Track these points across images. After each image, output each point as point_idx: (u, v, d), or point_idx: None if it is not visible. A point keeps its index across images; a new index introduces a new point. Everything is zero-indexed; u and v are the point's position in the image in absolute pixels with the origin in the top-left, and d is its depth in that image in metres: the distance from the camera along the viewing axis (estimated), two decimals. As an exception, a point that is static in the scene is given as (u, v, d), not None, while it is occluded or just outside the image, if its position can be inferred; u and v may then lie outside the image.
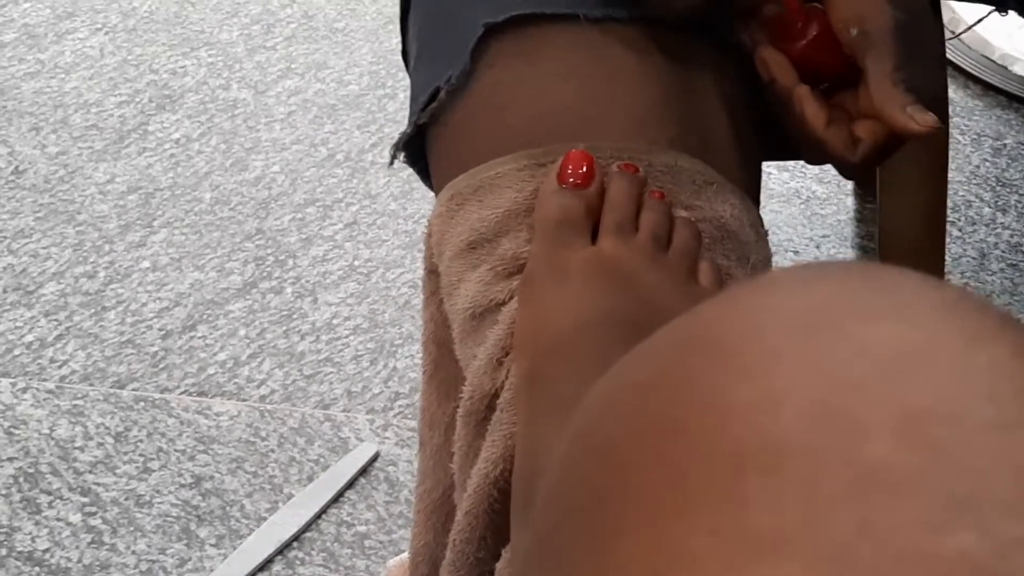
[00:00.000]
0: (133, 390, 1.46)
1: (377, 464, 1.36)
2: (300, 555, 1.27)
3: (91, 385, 1.46)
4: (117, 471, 1.36)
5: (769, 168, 1.74)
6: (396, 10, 2.21)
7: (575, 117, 0.70)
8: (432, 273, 0.73)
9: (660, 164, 0.69)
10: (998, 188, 1.72)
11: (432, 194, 0.76)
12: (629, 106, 0.71)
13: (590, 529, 0.29)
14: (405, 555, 1.22)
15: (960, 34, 1.74)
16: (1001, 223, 1.66)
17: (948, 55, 1.74)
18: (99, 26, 2.14)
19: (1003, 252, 1.61)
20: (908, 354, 0.27)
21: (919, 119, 0.65)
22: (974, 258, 1.60)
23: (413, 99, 0.77)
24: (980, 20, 1.66)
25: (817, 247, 1.68)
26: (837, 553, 0.24)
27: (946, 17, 1.77)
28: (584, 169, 0.65)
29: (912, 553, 0.24)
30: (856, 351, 0.27)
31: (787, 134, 0.72)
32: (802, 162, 0.79)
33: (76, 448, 1.39)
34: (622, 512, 0.28)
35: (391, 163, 0.78)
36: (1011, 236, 1.65)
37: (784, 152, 0.78)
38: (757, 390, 0.27)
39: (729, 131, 0.74)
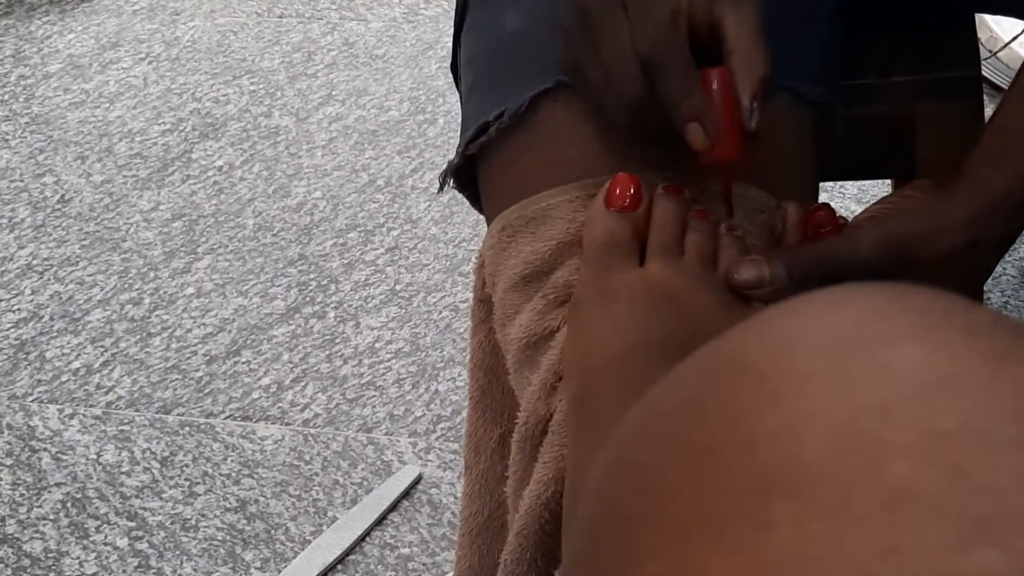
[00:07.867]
0: (179, 415, 1.47)
1: (420, 487, 1.37)
2: (344, 578, 1.27)
3: (137, 411, 1.48)
4: (163, 495, 1.37)
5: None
6: (435, 36, 2.20)
7: (634, 152, 0.69)
8: (482, 302, 0.74)
9: (713, 190, 0.69)
10: (1039, 206, 1.71)
11: (474, 218, 0.76)
12: None
13: (620, 551, 0.29)
14: (449, 577, 1.23)
15: (998, 52, 1.73)
16: (1043, 242, 1.65)
17: (985, 73, 1.73)
18: (143, 56, 2.17)
19: (1045, 271, 1.60)
20: (933, 376, 0.27)
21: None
22: (1014, 276, 1.59)
23: (464, 128, 0.77)
24: (1016, 37, 1.65)
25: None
26: (861, 574, 0.25)
27: (984, 36, 1.76)
28: (632, 192, 0.65)
29: (935, 573, 0.24)
30: (882, 374, 0.28)
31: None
32: (840, 183, 0.78)
33: (123, 473, 1.40)
34: (651, 535, 0.29)
35: (440, 190, 0.79)
36: (1053, 255, 1.63)
37: (835, 172, 0.77)
38: (784, 415, 0.28)
39: (789, 156, 0.74)
